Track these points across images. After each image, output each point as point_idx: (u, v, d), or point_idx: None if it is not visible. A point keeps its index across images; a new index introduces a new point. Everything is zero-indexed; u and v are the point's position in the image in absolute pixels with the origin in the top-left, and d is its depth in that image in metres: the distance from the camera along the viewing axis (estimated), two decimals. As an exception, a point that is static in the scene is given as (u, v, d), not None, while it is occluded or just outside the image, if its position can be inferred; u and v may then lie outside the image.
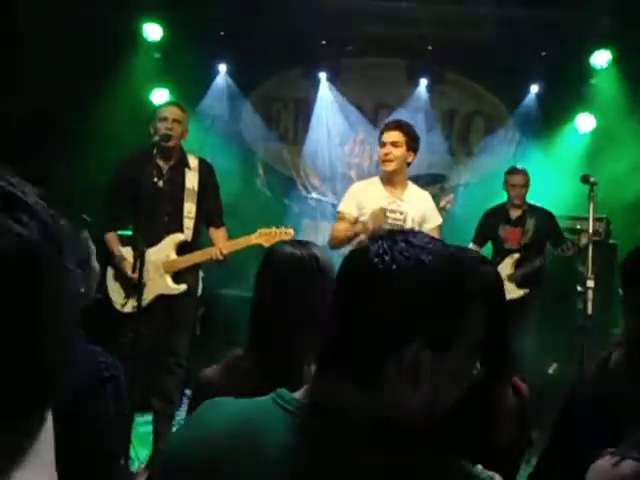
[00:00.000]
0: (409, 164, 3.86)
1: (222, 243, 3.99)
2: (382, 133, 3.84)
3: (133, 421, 3.47)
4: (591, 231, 3.78)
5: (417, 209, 3.85)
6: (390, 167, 3.74)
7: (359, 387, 0.96)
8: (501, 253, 5.02)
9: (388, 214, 3.81)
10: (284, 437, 0.95)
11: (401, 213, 3.82)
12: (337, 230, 3.86)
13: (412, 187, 3.93)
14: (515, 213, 5.04)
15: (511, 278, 4.87)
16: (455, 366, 0.98)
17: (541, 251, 4.94)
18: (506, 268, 4.88)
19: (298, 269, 1.73)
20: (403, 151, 3.76)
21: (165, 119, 3.94)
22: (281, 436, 0.95)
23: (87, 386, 1.49)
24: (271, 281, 1.77)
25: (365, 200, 3.84)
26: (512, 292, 4.77)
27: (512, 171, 5.06)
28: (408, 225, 3.80)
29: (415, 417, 0.97)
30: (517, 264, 4.91)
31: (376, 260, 0.97)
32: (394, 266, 0.96)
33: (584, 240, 4.34)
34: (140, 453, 3.75)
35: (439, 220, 3.94)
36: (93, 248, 1.79)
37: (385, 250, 0.97)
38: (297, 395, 1.01)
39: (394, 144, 3.74)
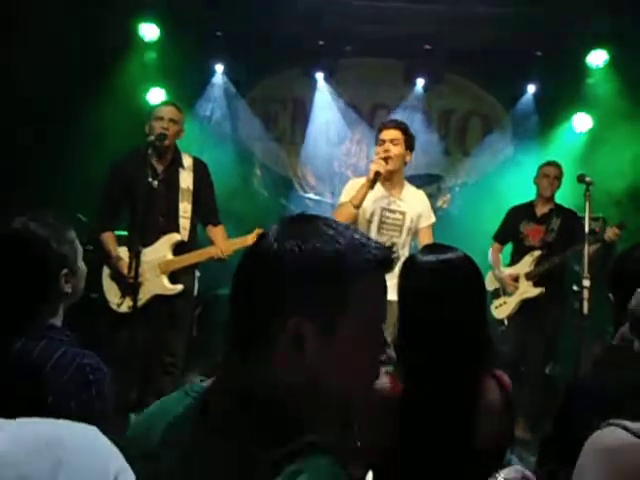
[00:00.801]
0: (406, 163, 3.85)
1: (222, 241, 3.99)
2: (380, 131, 3.81)
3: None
4: (587, 230, 3.78)
5: (415, 208, 3.85)
6: (390, 166, 3.70)
7: (247, 367, 0.99)
8: (521, 250, 4.78)
9: (388, 214, 3.80)
10: (185, 423, 1.03)
11: (401, 213, 3.81)
12: (338, 214, 3.70)
13: (409, 186, 3.93)
14: (542, 210, 4.79)
15: (529, 276, 4.67)
16: (342, 351, 0.98)
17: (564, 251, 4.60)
18: (525, 266, 4.70)
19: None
20: (402, 149, 3.74)
21: (161, 118, 3.93)
22: (184, 422, 1.03)
23: (73, 387, 1.55)
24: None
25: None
26: (528, 291, 4.66)
27: (547, 163, 4.85)
28: (406, 225, 3.80)
29: (295, 401, 0.98)
30: (537, 262, 4.67)
31: (269, 244, 1.00)
32: (280, 249, 0.99)
33: (609, 234, 4.22)
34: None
35: (433, 219, 3.95)
36: (80, 248, 1.83)
37: (279, 234, 1.01)
38: (205, 384, 1.08)
39: (393, 142, 3.72)
